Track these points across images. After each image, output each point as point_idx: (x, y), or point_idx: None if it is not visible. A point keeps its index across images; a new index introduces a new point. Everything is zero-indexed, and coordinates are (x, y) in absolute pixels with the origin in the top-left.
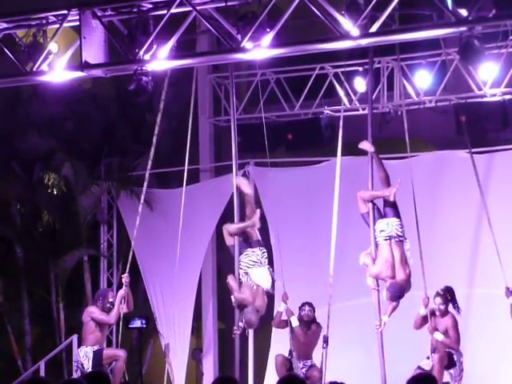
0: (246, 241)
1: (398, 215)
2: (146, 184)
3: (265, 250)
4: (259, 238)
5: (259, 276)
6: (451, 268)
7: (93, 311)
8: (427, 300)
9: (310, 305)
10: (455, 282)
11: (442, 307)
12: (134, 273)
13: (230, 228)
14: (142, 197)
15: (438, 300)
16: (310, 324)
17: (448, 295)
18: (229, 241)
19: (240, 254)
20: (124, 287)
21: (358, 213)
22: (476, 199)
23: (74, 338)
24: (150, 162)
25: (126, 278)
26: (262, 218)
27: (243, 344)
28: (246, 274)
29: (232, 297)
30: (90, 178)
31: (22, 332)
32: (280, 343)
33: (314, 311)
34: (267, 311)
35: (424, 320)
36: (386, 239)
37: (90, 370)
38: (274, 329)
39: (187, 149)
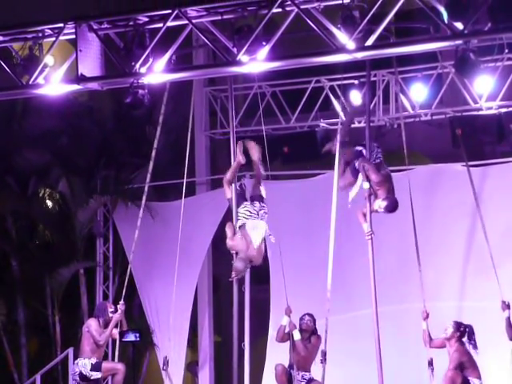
0: (243, 196)
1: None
2: (145, 197)
3: (265, 206)
4: (262, 194)
5: (253, 228)
6: (444, 281)
7: (90, 324)
8: (425, 314)
9: (311, 315)
10: (447, 295)
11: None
12: (130, 285)
13: (226, 176)
14: (141, 210)
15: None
16: (310, 336)
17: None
18: (227, 194)
19: (238, 206)
20: (119, 314)
21: (355, 225)
22: (471, 212)
23: (70, 350)
24: (148, 176)
25: (121, 305)
26: None
27: (239, 357)
28: (243, 225)
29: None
30: (86, 191)
31: (17, 345)
32: (275, 356)
33: (314, 322)
34: (261, 325)
35: (434, 341)
36: None
37: (90, 376)
38: (269, 341)
39: (186, 162)
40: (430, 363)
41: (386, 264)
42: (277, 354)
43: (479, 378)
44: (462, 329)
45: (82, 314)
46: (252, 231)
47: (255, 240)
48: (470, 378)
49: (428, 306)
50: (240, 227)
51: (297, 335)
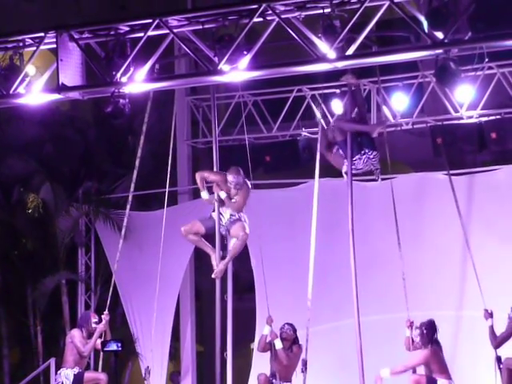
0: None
1: (374, 147)
2: (128, 206)
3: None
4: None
5: None
6: (437, 290)
7: (74, 335)
8: (409, 322)
9: (290, 324)
10: (442, 305)
11: (417, 339)
12: (112, 295)
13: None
14: (125, 220)
15: (415, 332)
16: (291, 345)
17: (423, 329)
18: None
19: None
20: (103, 324)
21: (337, 234)
22: (456, 220)
23: (52, 361)
24: (132, 185)
25: (106, 315)
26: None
27: (222, 366)
28: None
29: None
30: (69, 201)
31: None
32: (261, 365)
33: (295, 331)
34: (245, 334)
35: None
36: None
37: None
38: (254, 350)
39: (168, 171)
40: (414, 371)
41: (369, 273)
42: (263, 364)
43: (449, 378)
44: (425, 330)
45: (63, 324)
46: None
47: None
48: (438, 378)
49: (412, 315)
50: None
51: (278, 344)
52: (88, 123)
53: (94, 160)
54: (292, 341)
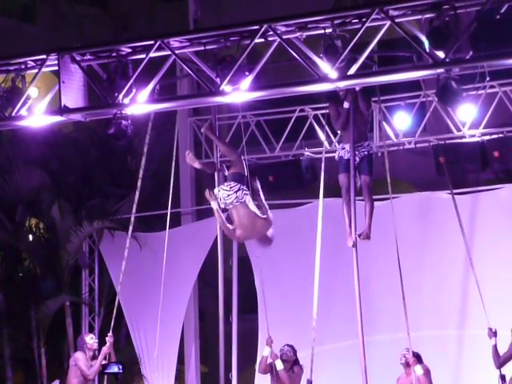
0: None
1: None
2: (131, 228)
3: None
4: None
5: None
6: (441, 310)
7: (78, 358)
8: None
9: (290, 346)
10: (446, 324)
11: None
12: (117, 316)
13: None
14: (128, 241)
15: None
16: (292, 366)
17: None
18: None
19: None
20: (107, 346)
21: (342, 254)
22: (459, 239)
23: (56, 383)
24: (134, 206)
25: (110, 337)
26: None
27: None
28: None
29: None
30: (73, 223)
31: (3, 378)
32: None
33: (295, 353)
34: (250, 353)
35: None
36: None
37: None
38: (256, 372)
39: (170, 192)
40: None
41: (373, 293)
42: None
43: None
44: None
45: (67, 346)
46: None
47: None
48: None
49: (415, 336)
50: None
51: (279, 365)
52: (90, 145)
53: (96, 182)
54: (292, 362)
